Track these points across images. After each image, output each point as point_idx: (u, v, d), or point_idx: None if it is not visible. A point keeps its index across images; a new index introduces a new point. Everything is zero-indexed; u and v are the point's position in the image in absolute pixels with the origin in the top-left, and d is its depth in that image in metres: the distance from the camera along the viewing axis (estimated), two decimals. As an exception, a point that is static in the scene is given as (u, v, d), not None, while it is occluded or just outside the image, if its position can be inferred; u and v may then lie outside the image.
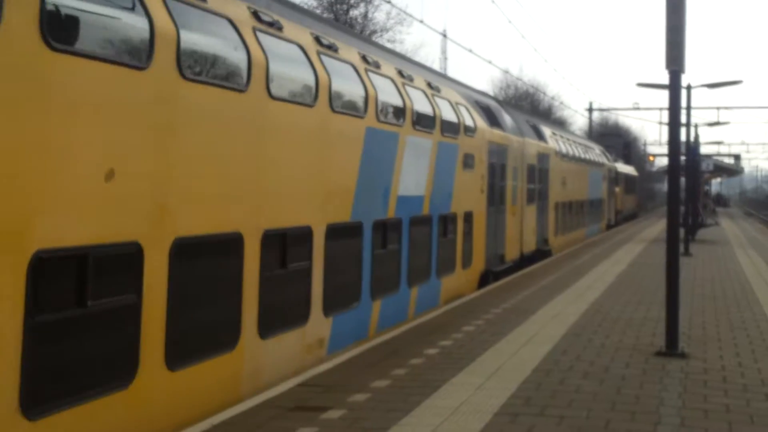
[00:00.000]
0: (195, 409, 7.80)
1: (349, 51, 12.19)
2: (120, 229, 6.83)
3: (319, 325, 10.51)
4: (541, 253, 25.65)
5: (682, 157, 26.43)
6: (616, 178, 48.10)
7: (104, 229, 6.63)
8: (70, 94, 6.27)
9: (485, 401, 8.41)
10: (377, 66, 13.00)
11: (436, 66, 52.50)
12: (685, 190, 31.64)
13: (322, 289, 10.52)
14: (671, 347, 11.03)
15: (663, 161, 73.68)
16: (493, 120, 19.88)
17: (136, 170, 7.00)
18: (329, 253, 10.65)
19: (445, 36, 49.99)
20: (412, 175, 13.83)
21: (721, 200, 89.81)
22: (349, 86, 11.77)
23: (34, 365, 5.89)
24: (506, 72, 64.92)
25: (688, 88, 29.73)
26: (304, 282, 10.19)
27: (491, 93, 60.09)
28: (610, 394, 8.79)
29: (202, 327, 8.18)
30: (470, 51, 41.61)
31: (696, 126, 37.78)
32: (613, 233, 40.59)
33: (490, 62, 48.07)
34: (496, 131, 19.76)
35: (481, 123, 18.40)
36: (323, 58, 10.88)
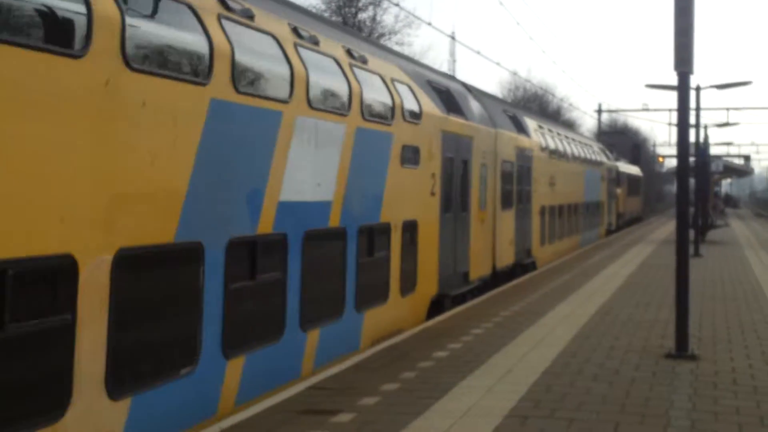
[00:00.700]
0: None
1: None
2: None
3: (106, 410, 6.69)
4: (523, 267, 22.07)
5: (692, 159, 26.50)
6: (617, 178, 44.62)
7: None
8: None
9: (495, 404, 8.41)
10: (246, 15, 9.08)
11: (444, 68, 52.51)
12: (695, 191, 31.54)
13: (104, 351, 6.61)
14: (681, 349, 11.00)
15: (673, 162, 73.50)
16: (451, 105, 16.24)
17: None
18: (121, 297, 6.70)
19: (453, 38, 49.93)
20: (309, 172, 10.12)
21: (729, 201, 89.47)
22: (174, 34, 8.01)
23: None
24: (515, 74, 64.79)
25: (697, 89, 29.67)
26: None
27: (500, 95, 60.15)
28: (620, 397, 8.78)
29: None
30: (478, 53, 41.43)
31: (705, 127, 37.71)
32: (620, 236, 40.46)
33: (498, 64, 48.13)
34: (455, 119, 16.04)
35: (432, 108, 14.74)
36: None
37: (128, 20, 6.84)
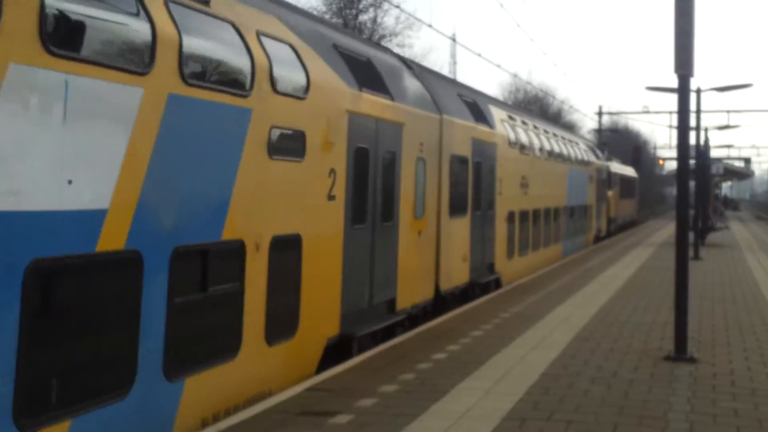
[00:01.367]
0: None
1: None
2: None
3: None
4: (483, 286, 18.05)
5: (692, 161, 26.48)
6: (608, 179, 40.73)
7: None
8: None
9: (493, 406, 8.40)
10: None
11: (444, 71, 52.53)
12: (695, 193, 31.52)
13: None
14: (680, 352, 11.00)
15: (673, 165, 73.55)
16: (369, 80, 12.31)
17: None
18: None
19: (454, 40, 50.09)
20: (46, 161, 6.21)
21: (729, 203, 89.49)
22: None
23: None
24: (515, 76, 64.93)
25: (698, 91, 29.68)
26: None
27: (501, 97, 60.07)
28: (618, 399, 8.77)
29: None
30: (479, 55, 41.60)
31: (706, 129, 37.70)
32: (618, 239, 40.42)
33: (498, 66, 48.17)
34: (374, 97, 12.17)
35: (331, 80, 10.96)
36: None
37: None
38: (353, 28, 39.91)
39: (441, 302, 15.30)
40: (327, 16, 39.08)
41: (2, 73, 5.80)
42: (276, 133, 9.40)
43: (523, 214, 21.95)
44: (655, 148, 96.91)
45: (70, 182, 6.39)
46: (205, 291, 8.18)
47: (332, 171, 10.74)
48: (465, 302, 16.28)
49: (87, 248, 6.64)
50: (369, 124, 11.93)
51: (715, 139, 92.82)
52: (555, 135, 28.71)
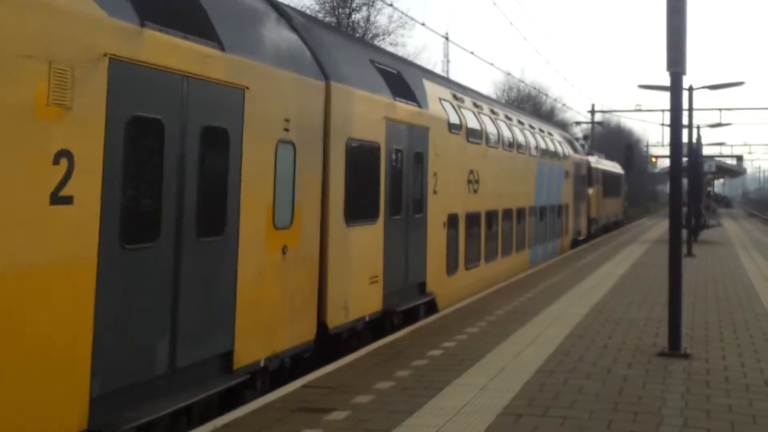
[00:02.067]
0: None
1: None
2: None
3: None
4: (408, 313, 13.81)
5: (685, 159, 26.54)
6: (588, 175, 36.49)
7: None
8: None
9: (489, 402, 8.45)
10: None
11: (438, 69, 52.53)
12: (688, 191, 31.60)
13: None
14: (674, 348, 11.06)
15: (666, 162, 73.69)
16: (162, 13, 7.91)
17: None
18: None
19: (447, 39, 50.14)
20: None
21: (721, 200, 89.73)
22: None
23: None
24: (508, 74, 64.97)
25: (690, 89, 29.80)
26: None
27: (494, 95, 60.16)
28: (613, 395, 8.82)
29: None
30: (472, 53, 41.57)
31: (698, 127, 37.82)
32: (612, 236, 40.50)
33: (492, 65, 48.11)
34: (167, 38, 7.85)
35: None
36: None
37: None
38: (347, 27, 39.92)
39: (331, 344, 11.18)
40: (320, 15, 39.08)
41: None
42: None
43: (473, 218, 17.71)
44: (647, 145, 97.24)
45: None
46: None
47: (66, 156, 6.53)
48: (378, 337, 12.14)
49: None
50: (155, 80, 7.63)
51: (708, 136, 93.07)
52: (521, 123, 24.26)
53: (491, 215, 19.31)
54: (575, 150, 33.69)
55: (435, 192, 15.17)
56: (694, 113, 30.26)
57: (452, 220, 16.27)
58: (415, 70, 16.52)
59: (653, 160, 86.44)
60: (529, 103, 71.05)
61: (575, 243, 32.44)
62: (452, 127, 16.43)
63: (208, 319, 8.36)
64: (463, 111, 17.66)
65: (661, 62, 11.79)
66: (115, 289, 7.05)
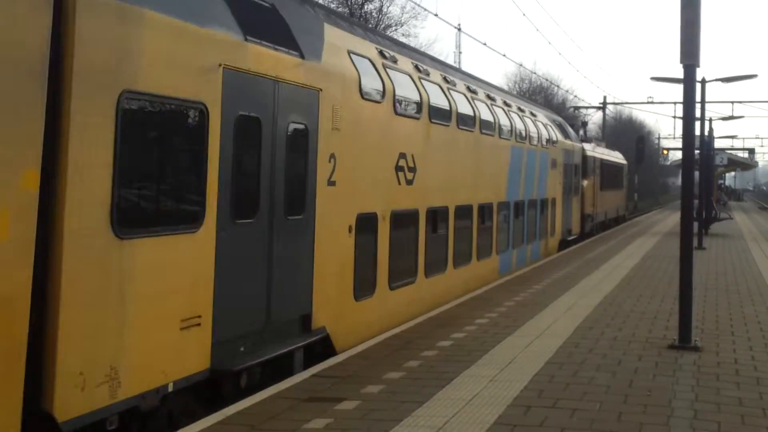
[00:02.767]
0: None
1: None
2: None
3: None
4: (275, 363, 9.38)
5: (696, 151, 26.45)
6: (583, 165, 31.70)
7: None
8: None
9: (498, 393, 8.46)
10: None
11: (450, 60, 52.43)
12: (699, 184, 31.49)
13: None
14: (684, 340, 11.04)
15: (677, 155, 73.37)
16: None
17: None
18: None
19: (459, 30, 50.06)
20: None
21: (732, 193, 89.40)
22: None
23: None
24: (520, 65, 64.80)
25: (703, 82, 29.69)
26: None
27: (506, 87, 59.93)
28: (623, 387, 8.81)
29: None
30: (485, 44, 41.34)
31: (710, 120, 37.69)
32: (621, 228, 40.34)
33: (504, 56, 48.01)
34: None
35: None
36: None
37: None
38: (359, 18, 39.87)
39: None
40: (333, 6, 39.04)
41: None
42: None
43: (405, 218, 13.29)
44: (659, 138, 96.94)
45: None
46: None
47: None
48: (193, 421, 7.72)
49: None
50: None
51: (720, 129, 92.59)
52: (491, 98, 19.45)
53: (437, 214, 14.73)
54: (566, 135, 28.56)
55: (332, 183, 10.72)
56: (707, 106, 30.17)
57: (365, 223, 11.76)
58: (310, 9, 11.36)
59: (665, 152, 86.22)
60: (540, 95, 70.96)
61: (564, 243, 27.65)
62: (368, 93, 11.95)
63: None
64: (393, 73, 13.10)
65: (674, 54, 11.75)
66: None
